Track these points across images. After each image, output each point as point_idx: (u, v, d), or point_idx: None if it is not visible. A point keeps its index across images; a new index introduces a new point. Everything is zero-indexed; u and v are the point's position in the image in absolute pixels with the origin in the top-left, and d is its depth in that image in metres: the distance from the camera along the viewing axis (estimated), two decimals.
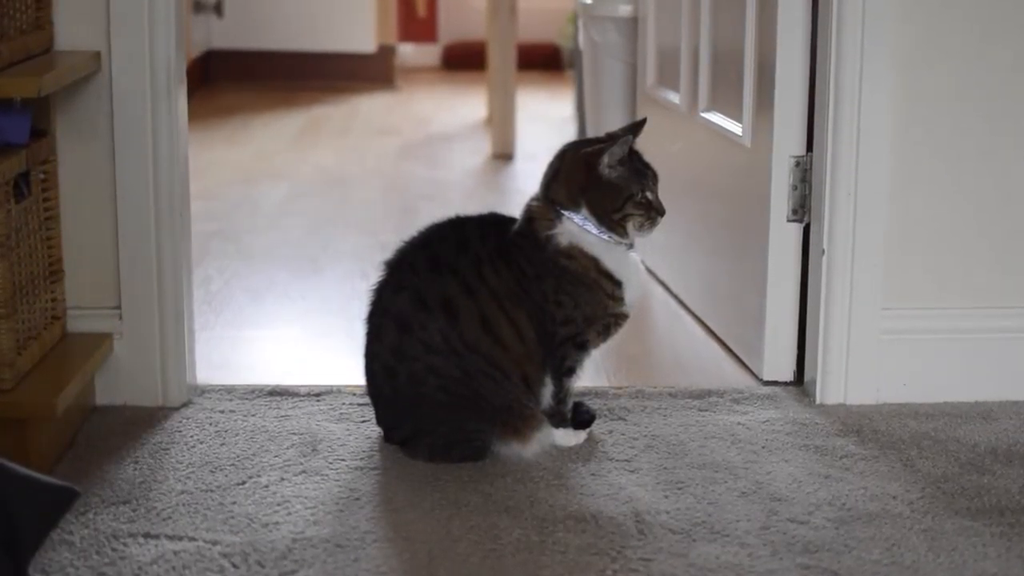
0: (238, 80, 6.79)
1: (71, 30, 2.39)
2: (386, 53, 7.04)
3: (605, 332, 2.30)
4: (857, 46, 2.45)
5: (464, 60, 7.52)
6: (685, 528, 2.03)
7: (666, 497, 2.13)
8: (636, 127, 2.29)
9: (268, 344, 2.96)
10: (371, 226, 4.01)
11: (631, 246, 2.28)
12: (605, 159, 2.21)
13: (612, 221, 2.23)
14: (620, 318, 2.30)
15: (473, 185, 4.75)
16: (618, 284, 2.26)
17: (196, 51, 6.40)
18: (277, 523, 2.03)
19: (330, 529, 2.01)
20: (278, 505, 2.08)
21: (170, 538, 1.97)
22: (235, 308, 3.16)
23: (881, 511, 2.09)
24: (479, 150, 5.30)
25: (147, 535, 1.98)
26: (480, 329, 2.19)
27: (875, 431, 2.42)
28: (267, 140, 5.46)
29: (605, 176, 2.22)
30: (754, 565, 1.92)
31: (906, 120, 2.49)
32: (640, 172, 2.24)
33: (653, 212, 2.24)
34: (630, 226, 2.24)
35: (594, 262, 2.24)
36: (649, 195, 2.24)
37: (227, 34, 6.81)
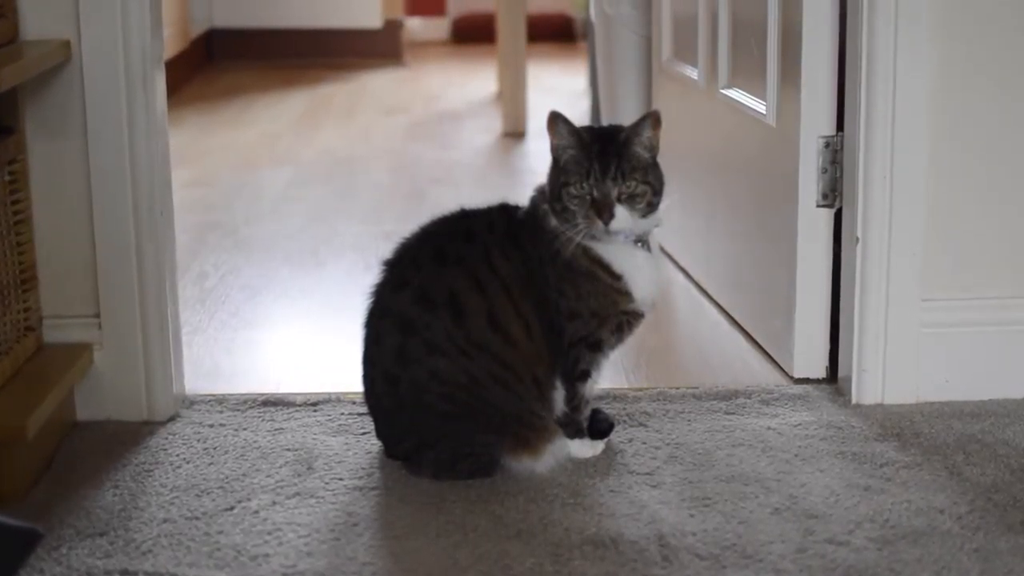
0: (241, 59, 6.65)
1: (37, 18, 2.22)
2: (393, 28, 6.88)
3: (619, 332, 2.12)
4: (891, 15, 2.26)
5: (474, 33, 7.36)
6: (713, 552, 1.85)
7: (692, 516, 1.95)
8: (640, 121, 2.05)
9: (263, 347, 2.79)
10: (377, 214, 3.84)
11: (639, 242, 2.08)
12: (552, 135, 2.05)
13: (554, 210, 2.04)
14: (633, 317, 2.12)
15: (483, 166, 4.58)
16: (617, 277, 2.07)
17: (198, 30, 6.25)
18: (267, 555, 1.86)
19: (325, 561, 1.84)
20: (268, 534, 1.91)
21: (149, 575, 1.80)
22: (230, 308, 2.99)
23: (927, 528, 1.91)
24: (490, 128, 5.13)
25: (124, 572, 1.81)
26: (488, 326, 2.02)
27: (917, 434, 2.23)
28: (271, 122, 5.30)
29: (554, 154, 2.06)
30: None
31: (945, 95, 2.31)
32: (592, 163, 2.00)
33: (591, 214, 2.00)
34: (579, 221, 2.01)
35: (582, 248, 2.04)
36: (596, 194, 2.01)
37: (229, 12, 6.67)
